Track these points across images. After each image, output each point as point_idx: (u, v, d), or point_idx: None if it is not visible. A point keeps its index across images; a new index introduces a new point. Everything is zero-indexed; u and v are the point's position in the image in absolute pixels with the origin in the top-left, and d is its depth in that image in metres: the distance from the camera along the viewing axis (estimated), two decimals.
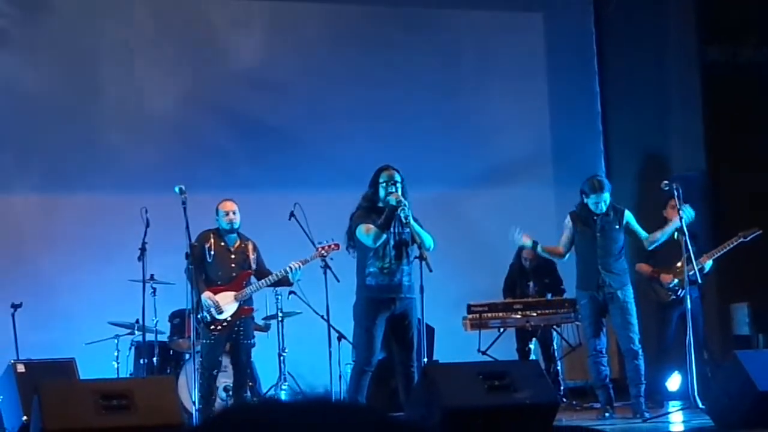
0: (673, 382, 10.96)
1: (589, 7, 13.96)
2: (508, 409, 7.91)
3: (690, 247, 9.60)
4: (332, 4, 13.20)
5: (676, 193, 9.63)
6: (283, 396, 10.66)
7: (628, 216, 9.83)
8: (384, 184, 8.99)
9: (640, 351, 9.69)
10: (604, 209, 9.72)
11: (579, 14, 13.93)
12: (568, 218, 9.99)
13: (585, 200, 9.80)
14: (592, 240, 9.74)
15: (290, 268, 9.89)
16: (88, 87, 12.36)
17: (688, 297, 9.75)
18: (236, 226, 9.96)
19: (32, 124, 12.10)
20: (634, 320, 9.67)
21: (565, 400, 11.00)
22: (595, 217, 9.74)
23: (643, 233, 9.88)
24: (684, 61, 13.26)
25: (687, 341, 9.47)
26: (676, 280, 10.67)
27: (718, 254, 10.78)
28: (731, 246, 10.78)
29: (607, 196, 9.74)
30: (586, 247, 9.80)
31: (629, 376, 9.78)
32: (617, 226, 9.74)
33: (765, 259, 12.21)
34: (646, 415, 9.60)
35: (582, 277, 9.88)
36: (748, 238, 10.77)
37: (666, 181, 9.79)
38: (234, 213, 9.95)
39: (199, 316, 9.74)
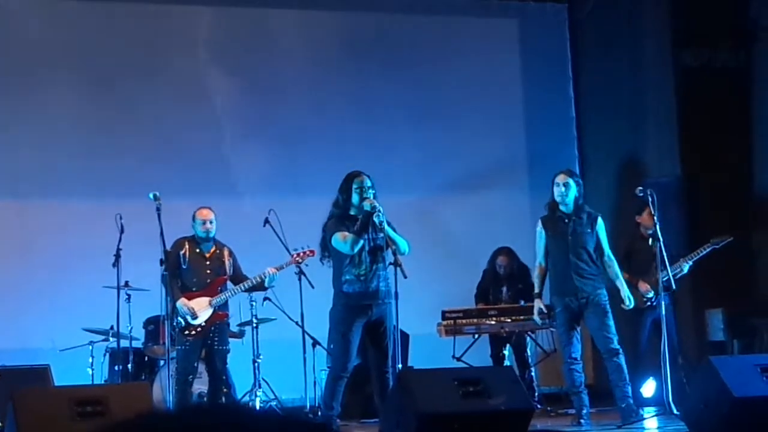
0: (648, 388, 10.98)
1: (563, 12, 13.99)
2: (482, 415, 7.90)
3: (664, 254, 9.59)
4: (310, 10, 13.17)
5: (650, 200, 9.62)
6: (257, 402, 10.64)
7: (600, 225, 9.67)
8: (357, 190, 8.99)
9: (620, 349, 9.59)
10: (568, 202, 9.58)
11: (553, 20, 13.96)
12: (539, 225, 9.84)
13: (552, 192, 9.72)
14: (563, 244, 9.62)
15: (266, 273, 9.89)
16: None
17: (663, 303, 9.75)
18: (212, 235, 9.96)
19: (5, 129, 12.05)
20: (611, 321, 9.56)
21: (539, 406, 11.00)
22: (566, 220, 9.62)
23: (606, 250, 9.67)
24: (659, 66, 13.29)
25: (662, 348, 9.47)
26: (652, 292, 10.67)
27: (691, 261, 10.81)
28: (703, 253, 10.83)
29: (572, 184, 9.60)
30: (558, 252, 9.67)
31: (612, 379, 9.59)
32: (589, 230, 9.61)
33: (740, 265, 12.29)
34: (641, 412, 9.57)
35: (555, 283, 9.76)
36: (720, 245, 10.82)
37: (640, 188, 9.77)
38: (210, 222, 9.95)
39: (173, 323, 9.72)
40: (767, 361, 8.83)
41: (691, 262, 10.81)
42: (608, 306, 9.62)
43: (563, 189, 9.61)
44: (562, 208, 9.66)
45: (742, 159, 13.03)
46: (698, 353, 11.77)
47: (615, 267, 9.66)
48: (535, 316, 9.94)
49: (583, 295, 9.56)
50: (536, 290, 9.89)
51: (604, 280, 9.75)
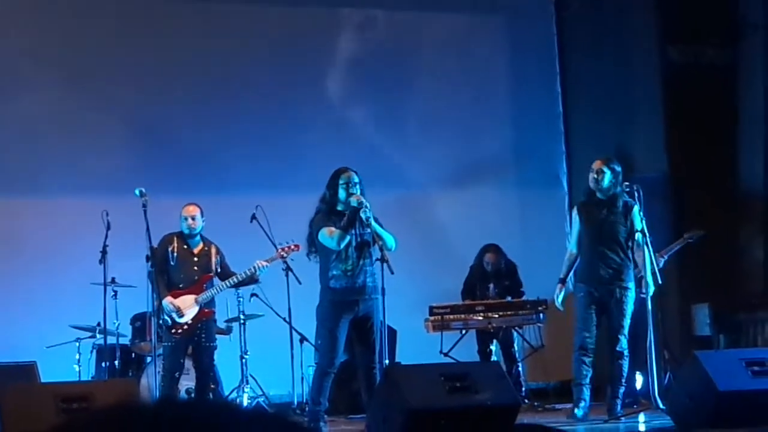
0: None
1: (550, 8, 13.99)
2: (469, 410, 7.93)
3: (650, 249, 9.56)
4: (291, 7, 13.17)
5: (636, 195, 9.61)
6: (245, 399, 10.65)
7: (635, 213, 9.50)
8: (344, 186, 9.00)
9: (626, 353, 9.55)
10: (603, 188, 9.51)
11: (541, 16, 13.96)
12: (575, 211, 9.84)
13: (588, 179, 9.64)
14: (594, 232, 9.57)
15: (256, 266, 9.90)
16: None
17: (649, 298, 9.74)
18: (196, 231, 9.94)
19: None
20: (627, 322, 9.49)
21: (526, 401, 11.03)
22: (600, 208, 9.56)
23: (638, 237, 9.47)
24: (646, 62, 13.32)
25: (647, 342, 9.48)
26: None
27: (666, 255, 10.81)
28: (676, 248, 10.86)
29: (607, 171, 9.52)
30: (588, 240, 9.60)
31: (611, 375, 9.61)
32: (623, 219, 9.52)
33: (726, 260, 12.33)
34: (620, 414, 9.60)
35: (581, 269, 9.68)
36: (694, 240, 10.84)
37: (627, 183, 9.77)
38: (194, 218, 9.93)
39: (160, 320, 9.73)
40: (752, 356, 8.90)
41: (666, 257, 10.81)
42: (631, 305, 9.53)
43: (597, 176, 9.58)
44: (598, 195, 9.62)
45: (728, 155, 13.06)
46: (684, 348, 11.80)
47: (645, 253, 9.42)
48: (558, 302, 9.83)
49: (608, 286, 9.48)
50: (562, 275, 9.78)
51: (632, 274, 9.63)
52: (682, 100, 12.95)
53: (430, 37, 13.51)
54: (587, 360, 9.57)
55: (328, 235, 8.91)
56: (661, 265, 10.59)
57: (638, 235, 9.47)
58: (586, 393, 9.62)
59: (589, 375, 9.63)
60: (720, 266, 12.24)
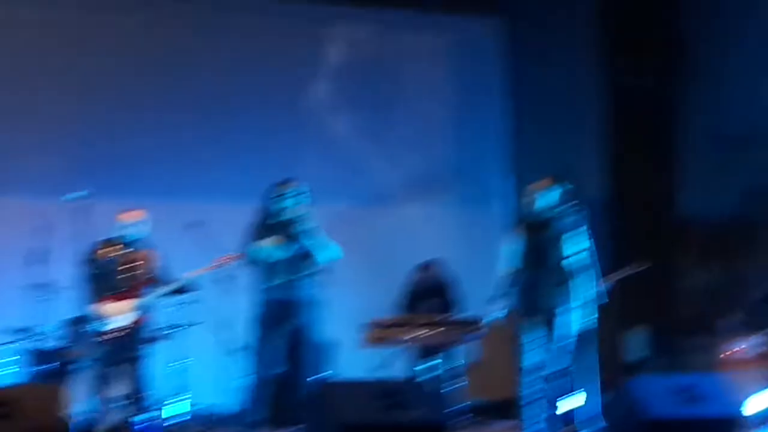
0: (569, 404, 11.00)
1: (497, 26, 14.04)
2: (403, 426, 7.94)
3: (595, 270, 9.51)
4: (257, 17, 13.15)
5: (583, 215, 9.54)
6: (178, 408, 10.56)
7: (571, 235, 9.44)
8: (284, 198, 8.98)
9: (569, 372, 9.43)
10: (541, 210, 9.46)
11: (487, 33, 14.00)
12: (515, 230, 9.71)
13: (526, 199, 9.58)
14: (536, 252, 9.49)
15: (189, 277, 9.83)
16: None
17: (594, 319, 9.67)
18: (135, 237, 9.85)
19: None
20: (566, 343, 9.43)
21: (467, 417, 11.01)
22: (538, 229, 9.48)
23: (572, 261, 9.39)
24: (593, 82, 13.39)
25: (583, 365, 9.47)
26: None
27: (609, 283, 10.80)
28: (619, 277, 10.87)
29: (547, 193, 9.48)
30: (529, 259, 9.51)
31: (549, 396, 9.48)
32: (562, 238, 9.44)
33: (662, 285, 12.40)
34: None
35: (523, 290, 9.54)
36: (637, 272, 10.86)
37: (573, 202, 9.72)
38: (135, 225, 9.85)
39: (92, 326, 9.63)
40: (683, 383, 8.94)
41: (609, 284, 10.80)
42: (571, 326, 9.53)
43: (536, 197, 9.52)
44: (534, 216, 9.56)
45: (668, 179, 13.15)
46: (618, 372, 11.84)
47: (589, 276, 9.42)
48: (489, 320, 9.76)
49: (549, 305, 9.42)
50: (495, 293, 9.66)
51: (572, 295, 9.54)
52: (629, 121, 13.05)
53: (376, 54, 13.52)
54: (535, 380, 9.51)
55: (263, 246, 8.91)
56: (603, 290, 10.60)
57: (583, 254, 9.46)
58: (539, 413, 9.52)
59: (540, 395, 9.57)
60: (656, 291, 12.31)
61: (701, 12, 13.21)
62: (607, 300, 9.60)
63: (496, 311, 9.71)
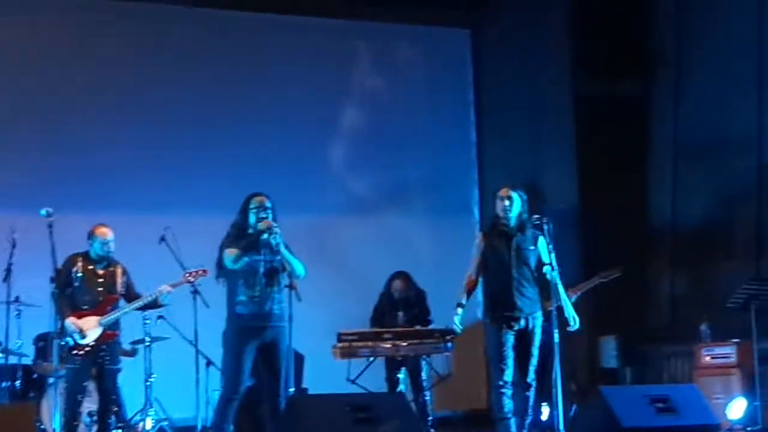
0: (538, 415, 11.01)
1: (466, 38, 14.06)
2: None
3: (558, 281, 9.47)
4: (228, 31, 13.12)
5: (545, 228, 9.50)
6: (148, 422, 10.52)
7: (542, 243, 9.34)
8: (254, 211, 8.98)
9: (534, 384, 9.40)
10: (512, 216, 9.35)
11: (456, 44, 14.01)
12: (479, 238, 9.58)
13: (495, 206, 9.48)
14: (506, 260, 9.36)
15: (159, 292, 9.79)
16: None
17: (555, 330, 9.64)
18: (104, 253, 9.79)
19: None
20: (536, 351, 9.36)
21: (433, 430, 11.01)
22: (509, 235, 9.37)
23: (547, 270, 9.29)
24: (559, 93, 13.42)
25: (554, 373, 9.44)
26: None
27: (579, 293, 10.81)
28: (589, 286, 10.86)
29: (516, 198, 9.37)
30: (499, 268, 9.37)
31: (515, 408, 9.39)
32: (532, 247, 9.36)
33: (633, 293, 12.43)
34: None
35: (492, 298, 9.43)
36: (607, 279, 10.85)
37: (537, 215, 9.68)
38: (112, 241, 9.79)
39: (63, 341, 9.58)
40: (657, 392, 8.96)
41: (579, 294, 10.80)
42: (539, 335, 9.43)
43: (507, 203, 9.41)
44: (504, 222, 9.45)
45: (638, 189, 13.19)
46: (591, 380, 11.86)
47: (559, 287, 9.28)
48: (457, 324, 9.66)
49: (519, 316, 9.31)
50: (461, 300, 9.51)
51: (541, 304, 9.49)
52: (594, 133, 13.06)
53: (344, 64, 13.52)
54: (508, 392, 9.42)
55: (228, 255, 8.91)
56: (573, 300, 10.57)
57: (546, 268, 9.40)
58: (513, 427, 9.42)
59: (512, 408, 9.48)
60: (628, 299, 12.33)
61: (670, 22, 13.26)
62: (573, 311, 9.53)
63: (460, 319, 9.62)
